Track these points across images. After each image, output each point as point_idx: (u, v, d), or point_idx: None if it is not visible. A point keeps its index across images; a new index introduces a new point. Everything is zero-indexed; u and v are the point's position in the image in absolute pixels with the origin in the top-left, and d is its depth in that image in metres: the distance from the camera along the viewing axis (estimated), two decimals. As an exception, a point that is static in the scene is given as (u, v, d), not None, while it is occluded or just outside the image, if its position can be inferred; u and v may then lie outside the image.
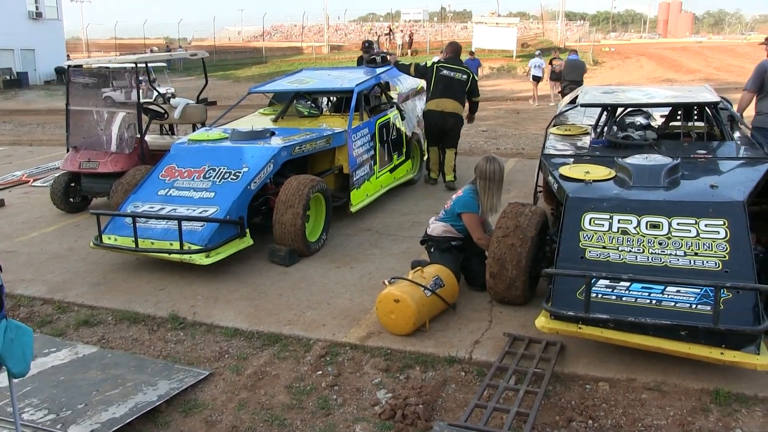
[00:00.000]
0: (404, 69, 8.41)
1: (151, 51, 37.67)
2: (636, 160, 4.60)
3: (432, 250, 5.07)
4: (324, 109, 8.25)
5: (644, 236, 3.89)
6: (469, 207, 4.93)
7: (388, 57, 8.42)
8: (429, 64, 8.37)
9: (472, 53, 21.48)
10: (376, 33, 44.34)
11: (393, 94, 8.55)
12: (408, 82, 8.80)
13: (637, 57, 36.62)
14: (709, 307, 3.46)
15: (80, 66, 8.16)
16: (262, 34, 54.72)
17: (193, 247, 5.13)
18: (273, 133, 6.62)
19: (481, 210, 4.95)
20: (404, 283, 4.33)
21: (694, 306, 3.51)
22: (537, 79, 19.96)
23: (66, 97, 7.88)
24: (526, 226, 4.39)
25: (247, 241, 5.52)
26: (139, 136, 7.55)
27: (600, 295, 3.67)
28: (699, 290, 3.55)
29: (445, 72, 8.10)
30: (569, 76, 14.52)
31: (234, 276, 5.42)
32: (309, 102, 7.75)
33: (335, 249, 6.06)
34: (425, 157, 8.95)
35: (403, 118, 8.08)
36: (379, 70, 8.28)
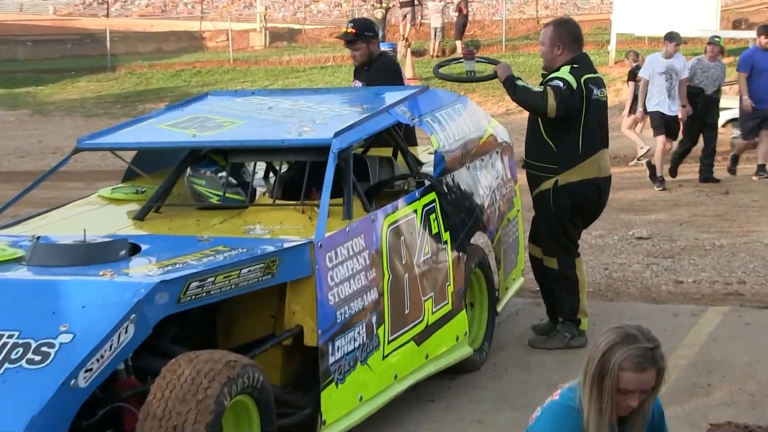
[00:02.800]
0: (533, 100, 6.76)
1: None
2: None
3: None
4: (258, 191, 6.58)
5: None
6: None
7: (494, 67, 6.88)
8: (572, 81, 6.62)
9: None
10: (374, 3, 40.59)
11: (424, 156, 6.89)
12: (454, 127, 6.97)
13: None
14: None
15: None
16: (104, 1, 41.45)
17: None
18: (136, 249, 5.31)
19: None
20: None
21: None
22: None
23: None
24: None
25: None
26: None
27: None
28: None
29: (596, 93, 6.78)
30: None
31: None
32: (221, 173, 6.00)
33: None
34: (500, 308, 7.11)
35: (446, 213, 6.24)
36: (394, 96, 6.63)
